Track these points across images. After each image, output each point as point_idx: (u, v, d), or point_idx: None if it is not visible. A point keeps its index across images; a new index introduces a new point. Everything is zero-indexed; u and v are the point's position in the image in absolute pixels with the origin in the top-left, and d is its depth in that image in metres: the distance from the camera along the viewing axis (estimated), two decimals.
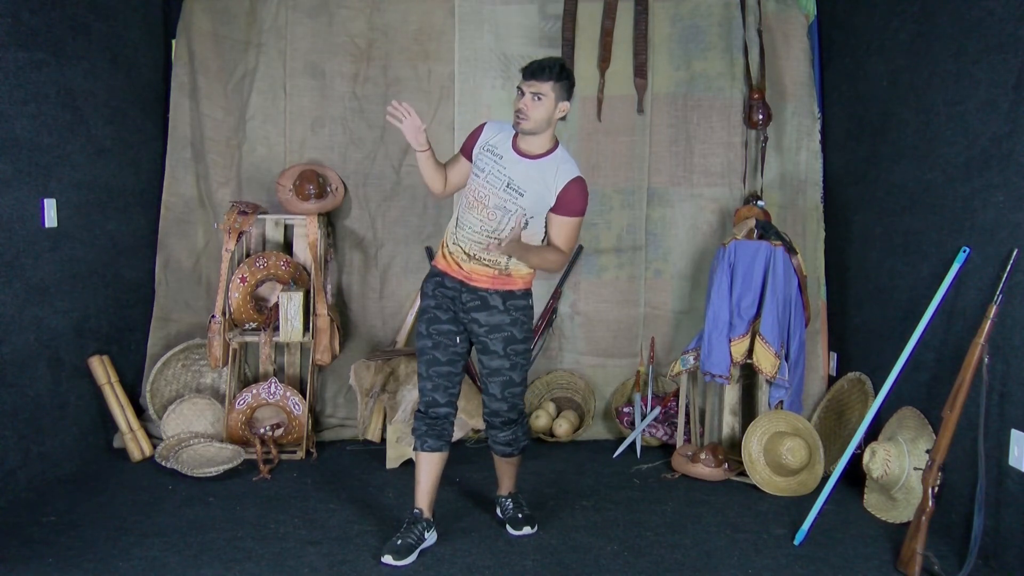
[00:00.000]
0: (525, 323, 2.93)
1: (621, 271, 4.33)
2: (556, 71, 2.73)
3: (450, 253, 2.91)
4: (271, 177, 4.25)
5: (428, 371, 2.91)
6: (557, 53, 4.24)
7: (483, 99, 4.26)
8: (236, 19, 4.27)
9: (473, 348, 2.99)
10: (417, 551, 2.85)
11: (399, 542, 2.83)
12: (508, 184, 2.79)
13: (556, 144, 2.86)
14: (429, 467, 2.94)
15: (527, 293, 2.95)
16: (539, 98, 2.73)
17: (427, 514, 2.94)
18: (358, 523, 3.16)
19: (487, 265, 2.86)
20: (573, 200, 2.84)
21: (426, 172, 2.90)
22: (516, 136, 2.85)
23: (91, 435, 3.81)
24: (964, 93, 3.02)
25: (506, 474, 3.16)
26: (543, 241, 2.90)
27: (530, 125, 2.76)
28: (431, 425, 2.92)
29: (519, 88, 2.78)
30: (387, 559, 2.78)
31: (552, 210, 2.85)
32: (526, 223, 2.80)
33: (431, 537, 2.93)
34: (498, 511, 3.19)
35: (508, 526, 3.10)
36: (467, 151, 2.93)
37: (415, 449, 2.96)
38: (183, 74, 4.26)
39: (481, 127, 2.94)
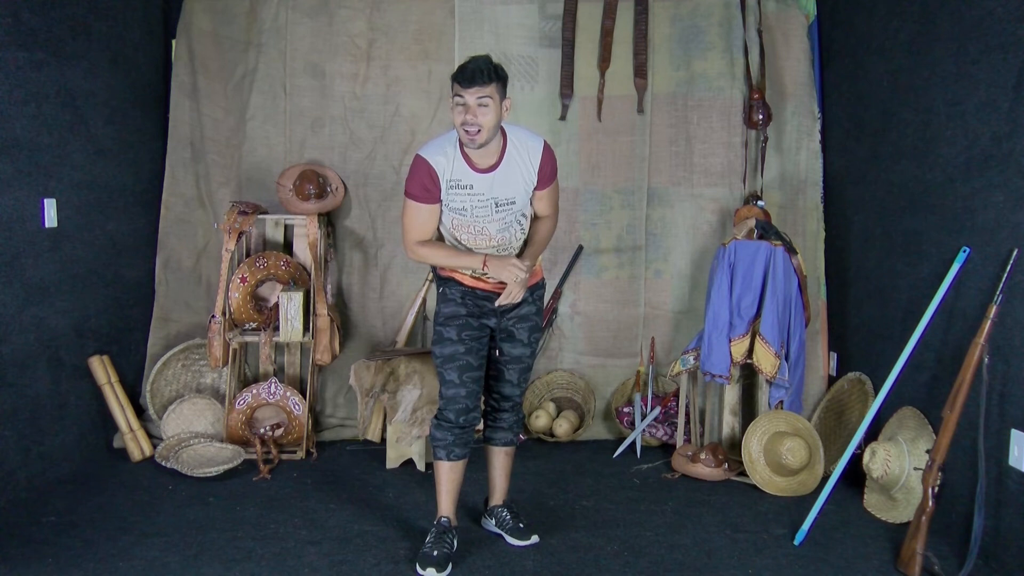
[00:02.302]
0: (542, 306, 2.97)
1: (621, 271, 4.33)
2: (493, 70, 2.55)
3: (479, 275, 2.81)
4: (271, 177, 4.25)
5: (462, 377, 2.78)
6: (557, 53, 4.25)
7: None
8: (236, 19, 4.28)
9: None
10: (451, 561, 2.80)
11: (436, 553, 2.74)
12: (496, 204, 2.70)
13: (504, 133, 2.69)
14: (455, 475, 2.88)
15: (543, 280, 3.01)
16: (486, 104, 2.53)
17: (454, 522, 2.92)
18: (358, 523, 3.16)
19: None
20: (552, 167, 2.76)
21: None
22: (465, 155, 2.65)
23: (91, 435, 3.81)
24: (964, 93, 3.02)
25: (503, 473, 3.06)
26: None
27: (484, 136, 2.55)
28: (459, 435, 2.83)
29: (457, 99, 2.54)
30: (430, 572, 2.69)
31: (537, 188, 2.75)
32: (523, 219, 2.80)
33: (455, 544, 2.88)
34: (492, 523, 3.08)
35: (510, 537, 3.00)
36: (438, 198, 2.69)
37: (438, 459, 2.87)
38: (183, 74, 4.26)
39: (428, 166, 2.65)
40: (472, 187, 2.67)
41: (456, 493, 2.92)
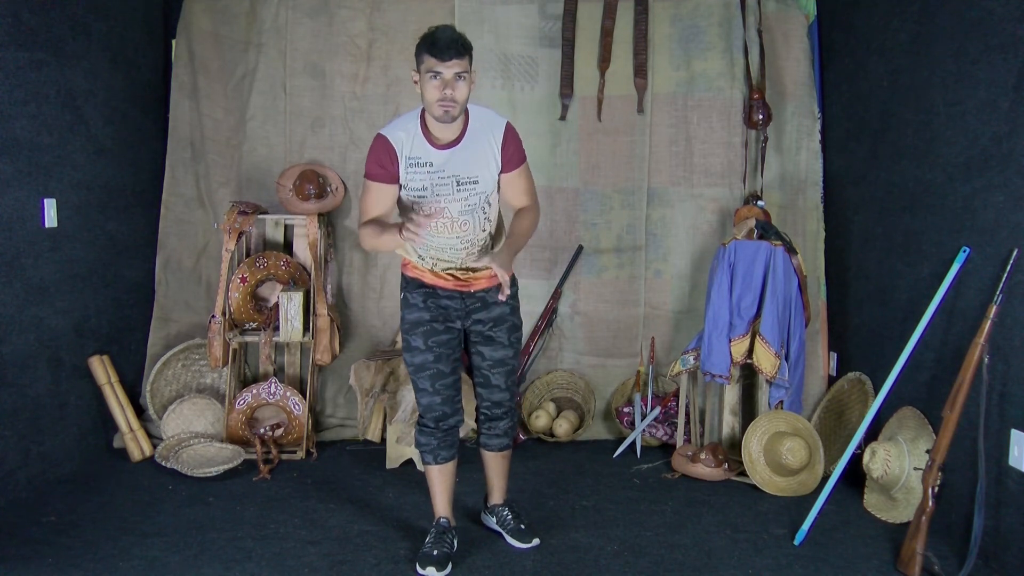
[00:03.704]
0: (518, 306, 2.90)
1: (621, 271, 4.33)
2: (465, 41, 2.48)
3: (439, 271, 2.75)
4: (271, 177, 4.25)
5: (434, 385, 2.77)
6: (557, 53, 4.25)
7: (483, 99, 4.24)
8: (236, 19, 4.27)
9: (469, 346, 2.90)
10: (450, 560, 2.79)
11: (436, 552, 2.74)
12: (458, 183, 2.60)
13: (466, 110, 2.61)
14: (445, 477, 2.88)
15: (514, 276, 2.88)
16: (462, 77, 2.47)
17: (453, 522, 2.92)
18: (358, 523, 3.16)
19: (488, 269, 2.76)
20: (517, 147, 2.67)
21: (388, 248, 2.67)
22: (425, 131, 2.58)
23: (91, 435, 3.81)
24: (964, 93, 3.02)
25: (500, 475, 3.04)
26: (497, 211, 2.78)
27: (458, 110, 2.50)
28: (443, 438, 2.83)
29: (432, 72, 2.46)
30: (430, 571, 2.69)
31: (503, 171, 2.66)
32: (487, 206, 2.69)
33: (455, 544, 2.88)
34: (492, 521, 3.06)
35: (511, 538, 2.98)
36: (394, 176, 2.60)
37: (427, 463, 2.87)
38: (183, 74, 4.26)
39: (386, 141, 2.58)
40: (431, 164, 2.58)
41: (450, 493, 2.92)
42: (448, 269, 2.75)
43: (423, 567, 2.72)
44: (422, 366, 2.77)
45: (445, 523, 2.88)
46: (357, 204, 4.29)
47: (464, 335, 2.86)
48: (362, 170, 4.23)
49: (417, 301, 2.77)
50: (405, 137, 2.59)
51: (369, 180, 2.63)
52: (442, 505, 2.90)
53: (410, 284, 2.80)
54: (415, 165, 2.59)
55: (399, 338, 4.25)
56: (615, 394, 4.32)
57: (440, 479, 2.88)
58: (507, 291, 2.58)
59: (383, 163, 2.58)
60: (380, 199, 2.63)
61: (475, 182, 2.63)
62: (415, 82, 2.56)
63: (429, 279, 2.77)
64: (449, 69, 2.46)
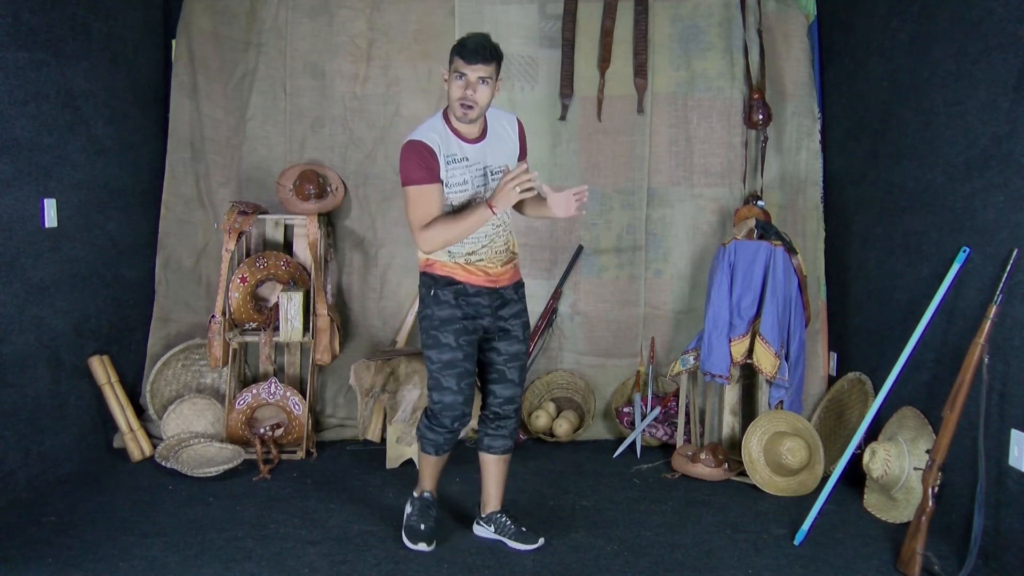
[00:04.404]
0: (527, 303, 3.00)
1: (621, 271, 4.33)
2: (495, 49, 2.64)
3: (471, 264, 2.79)
4: (271, 177, 4.25)
5: (460, 384, 2.79)
6: (557, 53, 4.25)
7: None
8: (236, 19, 4.28)
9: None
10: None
11: (423, 527, 2.86)
12: (491, 173, 2.78)
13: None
14: (441, 463, 2.99)
15: (521, 279, 3.02)
16: (485, 81, 2.63)
17: (435, 496, 3.01)
18: (358, 523, 3.16)
19: (511, 260, 2.88)
20: (525, 139, 2.92)
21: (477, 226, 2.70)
22: (453, 130, 2.73)
23: (91, 435, 3.80)
24: (964, 93, 3.02)
25: (500, 480, 3.03)
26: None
27: (476, 112, 2.66)
28: (451, 438, 2.89)
29: (458, 72, 2.62)
30: (421, 547, 2.82)
31: (520, 158, 2.89)
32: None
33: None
34: (490, 530, 3.01)
35: (515, 543, 2.93)
36: (438, 175, 2.70)
37: (427, 453, 2.94)
38: (183, 74, 4.26)
39: (424, 146, 2.67)
40: (467, 159, 2.74)
41: (440, 473, 3.02)
42: (481, 261, 2.80)
43: (415, 542, 2.80)
44: (451, 363, 2.79)
45: (429, 497, 2.97)
46: (357, 204, 4.30)
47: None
48: (362, 170, 4.31)
49: (449, 298, 2.80)
50: (438, 138, 2.71)
51: (419, 185, 2.67)
52: (429, 481, 2.99)
53: (439, 282, 2.81)
54: (454, 161, 2.72)
55: (399, 338, 4.25)
56: (615, 394, 4.32)
57: (435, 465, 2.99)
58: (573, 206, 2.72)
59: (429, 164, 2.67)
60: (435, 199, 2.70)
61: (503, 172, 2.76)
62: (445, 80, 2.70)
63: (461, 276, 2.80)
64: (474, 72, 2.61)
